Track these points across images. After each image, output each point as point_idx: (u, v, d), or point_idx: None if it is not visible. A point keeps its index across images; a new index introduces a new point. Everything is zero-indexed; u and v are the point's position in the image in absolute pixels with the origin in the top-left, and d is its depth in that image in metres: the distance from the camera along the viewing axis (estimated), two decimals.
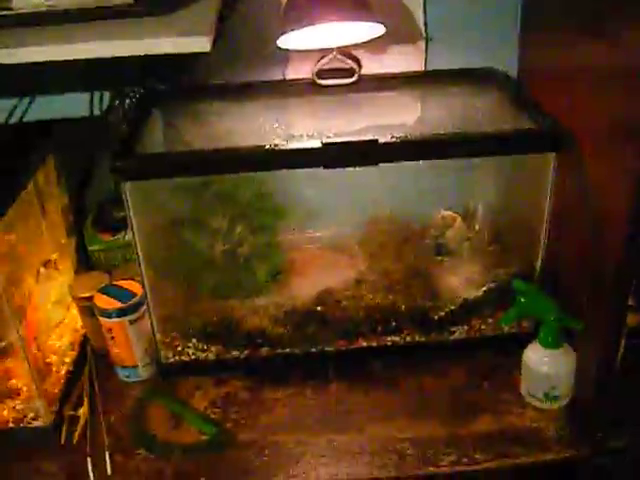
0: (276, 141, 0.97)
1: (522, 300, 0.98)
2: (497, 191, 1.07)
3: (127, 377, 1.09)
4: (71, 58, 0.84)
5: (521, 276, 1.04)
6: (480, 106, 1.11)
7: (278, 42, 1.04)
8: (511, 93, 1.11)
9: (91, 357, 1.12)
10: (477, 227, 1.11)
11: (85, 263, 1.18)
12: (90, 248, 1.15)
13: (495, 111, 1.09)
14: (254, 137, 1.06)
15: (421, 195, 1.09)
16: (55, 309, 1.13)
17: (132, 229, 0.96)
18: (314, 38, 1.07)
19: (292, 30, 1.01)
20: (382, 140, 0.92)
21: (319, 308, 1.07)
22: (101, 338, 1.07)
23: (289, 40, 1.04)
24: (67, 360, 1.09)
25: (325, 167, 0.93)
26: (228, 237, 1.09)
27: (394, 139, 0.92)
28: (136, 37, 0.83)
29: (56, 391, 1.03)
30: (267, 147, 0.91)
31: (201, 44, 0.81)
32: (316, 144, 0.91)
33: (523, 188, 1.05)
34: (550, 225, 1.01)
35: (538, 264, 1.04)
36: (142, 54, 0.81)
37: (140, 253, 0.98)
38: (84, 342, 1.14)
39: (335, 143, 0.91)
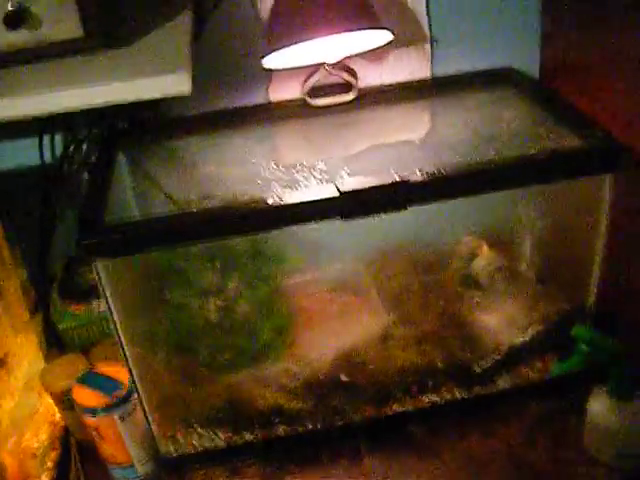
0: (273, 185, 0.80)
1: (584, 348, 0.83)
2: (541, 216, 0.91)
3: (124, 477, 0.91)
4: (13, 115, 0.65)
5: (573, 314, 0.90)
6: (504, 116, 0.95)
7: (263, 62, 0.86)
8: (538, 97, 0.95)
9: (76, 455, 0.94)
10: (519, 260, 0.95)
11: (57, 344, 0.99)
12: (60, 327, 0.96)
13: (524, 122, 0.93)
14: (243, 179, 0.88)
15: (447, 221, 0.92)
16: (26, 397, 0.94)
17: (109, 309, 0.78)
18: (306, 53, 0.89)
19: (281, 48, 0.83)
20: (414, 179, 0.75)
21: (342, 376, 0.90)
22: (87, 431, 0.89)
23: (276, 59, 0.86)
24: (49, 464, 0.91)
25: (343, 218, 0.75)
26: (221, 294, 0.92)
27: (426, 176, 0.76)
28: (89, 82, 0.64)
29: None
30: (270, 203, 0.74)
31: (179, 84, 0.63)
32: (331, 192, 0.74)
33: (573, 213, 0.89)
34: (607, 254, 0.86)
35: (592, 299, 0.89)
36: (101, 104, 0.63)
37: (121, 334, 0.80)
38: (66, 435, 0.95)
39: (356, 191, 0.74)
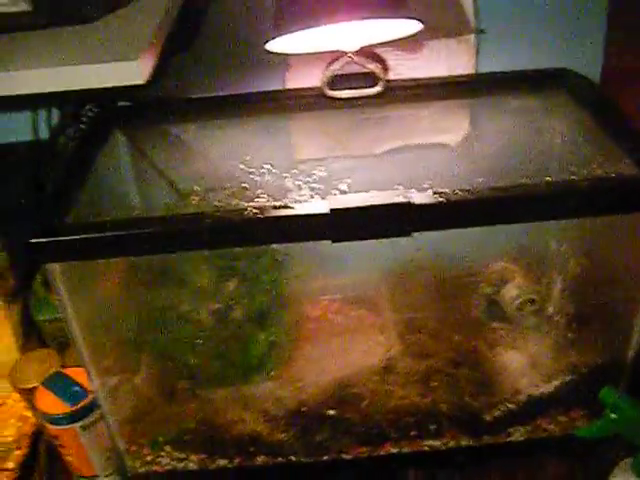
0: (260, 191, 0.70)
1: (612, 416, 0.69)
2: (581, 250, 0.77)
3: None
4: None
5: (607, 370, 0.76)
6: (551, 126, 0.81)
7: (268, 45, 0.75)
8: (593, 107, 0.80)
9: (44, 459, 0.87)
10: (553, 296, 0.81)
11: (37, 336, 0.92)
12: (38, 318, 0.89)
13: (572, 136, 0.79)
14: (229, 178, 0.77)
15: (479, 240, 0.79)
16: None
17: (65, 314, 0.70)
18: (320, 39, 0.77)
19: (288, 32, 0.72)
20: (419, 201, 0.62)
21: (331, 412, 0.79)
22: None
23: (285, 42, 0.75)
24: (10, 464, 0.84)
25: (334, 242, 0.64)
26: (212, 300, 0.82)
27: (435, 198, 0.63)
28: (31, 65, 0.54)
29: None
30: (245, 216, 0.63)
31: (132, 73, 0.53)
32: (321, 208, 0.63)
33: (618, 251, 0.75)
34: None
35: (630, 356, 0.75)
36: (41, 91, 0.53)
37: (82, 346, 0.72)
38: (37, 435, 0.88)
39: (347, 209, 0.62)
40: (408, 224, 0.64)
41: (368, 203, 0.62)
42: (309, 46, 0.78)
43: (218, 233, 0.63)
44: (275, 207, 0.64)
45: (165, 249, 0.66)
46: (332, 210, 0.62)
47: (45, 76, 0.53)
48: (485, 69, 0.89)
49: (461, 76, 0.89)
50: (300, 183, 0.71)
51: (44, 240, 0.63)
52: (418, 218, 0.63)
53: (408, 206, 0.62)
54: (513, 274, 0.88)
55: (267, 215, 0.63)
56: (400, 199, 0.62)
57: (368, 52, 0.86)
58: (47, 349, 0.88)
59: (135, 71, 0.52)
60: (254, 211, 0.63)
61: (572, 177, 0.68)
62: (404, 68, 0.89)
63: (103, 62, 0.53)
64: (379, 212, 0.63)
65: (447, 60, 0.88)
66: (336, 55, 0.84)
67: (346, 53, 0.82)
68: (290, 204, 0.63)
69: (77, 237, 0.64)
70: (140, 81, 0.53)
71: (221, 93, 0.90)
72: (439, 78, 0.89)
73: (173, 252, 0.66)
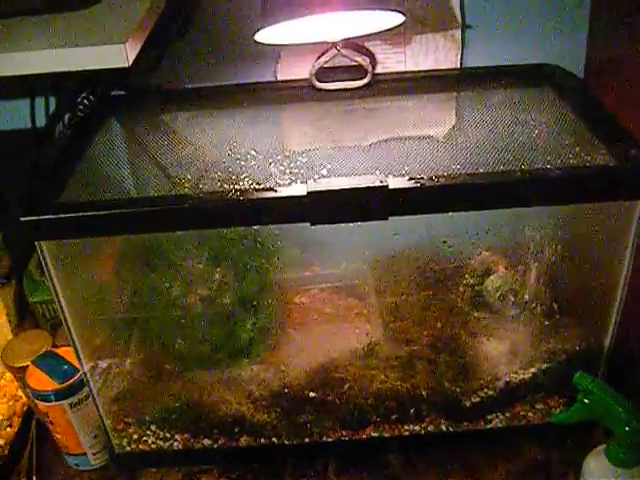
0: (243, 175, 0.72)
1: (586, 402, 0.71)
2: (560, 239, 0.79)
3: (77, 466, 0.87)
4: None
5: (585, 357, 0.77)
6: (534, 119, 0.82)
7: (256, 36, 0.77)
8: (576, 101, 0.82)
9: (34, 437, 0.89)
10: (535, 286, 0.83)
11: (32, 319, 0.94)
12: (31, 299, 0.91)
13: (554, 128, 0.80)
14: (214, 164, 0.79)
15: (463, 229, 0.81)
16: None
17: (55, 292, 0.72)
18: (306, 31, 0.79)
19: (275, 23, 0.74)
20: (394, 185, 0.64)
21: (314, 395, 0.81)
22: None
23: (272, 34, 0.77)
24: (0, 442, 0.87)
25: (313, 224, 0.66)
26: (204, 282, 0.84)
27: (412, 183, 0.65)
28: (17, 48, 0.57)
29: None
30: (229, 196, 0.65)
31: (115, 56, 0.55)
32: (299, 191, 0.65)
33: (596, 240, 0.77)
34: (629, 291, 0.73)
35: (608, 343, 0.76)
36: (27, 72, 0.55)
37: (70, 324, 0.74)
38: (29, 414, 0.91)
39: (324, 192, 0.64)
40: (384, 208, 0.65)
41: (344, 186, 0.64)
42: (295, 37, 0.81)
43: (199, 214, 0.65)
44: (255, 190, 0.66)
45: (149, 229, 0.68)
46: (309, 193, 0.64)
47: (33, 59, 0.55)
48: (471, 63, 0.91)
49: (447, 70, 0.91)
50: (284, 169, 0.73)
51: (34, 218, 0.65)
52: (394, 202, 0.65)
53: (384, 190, 0.64)
54: (496, 264, 0.90)
55: (247, 197, 0.65)
56: (376, 183, 0.64)
57: (356, 45, 0.89)
58: (40, 330, 0.91)
59: (120, 55, 0.54)
60: (235, 193, 0.65)
61: (547, 166, 0.70)
62: (391, 62, 0.91)
63: (89, 45, 0.55)
64: (355, 195, 0.64)
65: (433, 54, 0.90)
66: (325, 48, 0.86)
67: (334, 46, 0.84)
68: (269, 187, 0.66)
69: (65, 215, 0.66)
70: (125, 64, 0.55)
71: (214, 83, 0.93)
72: (425, 72, 0.91)
73: (156, 232, 0.68)
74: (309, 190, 0.64)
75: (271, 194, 0.65)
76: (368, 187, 0.64)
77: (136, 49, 0.58)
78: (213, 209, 0.65)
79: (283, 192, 0.65)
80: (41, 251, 0.69)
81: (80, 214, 0.66)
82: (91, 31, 0.58)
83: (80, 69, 0.56)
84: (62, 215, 0.66)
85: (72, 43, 0.56)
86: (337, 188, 0.64)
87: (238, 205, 0.64)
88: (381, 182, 0.64)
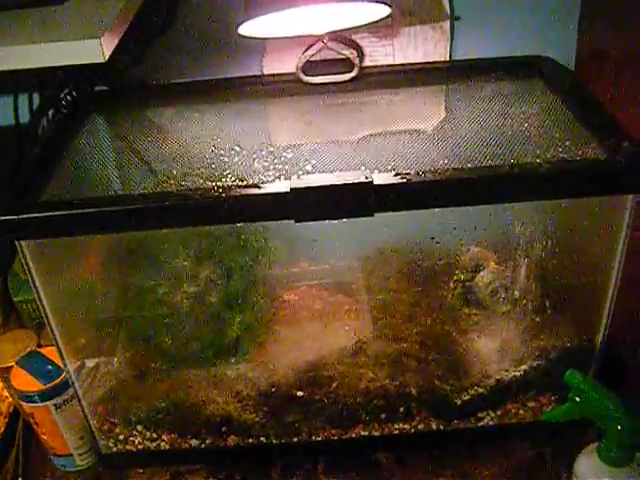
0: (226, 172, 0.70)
1: (577, 399, 0.70)
2: (547, 237, 0.77)
3: (63, 467, 0.86)
4: None
5: (576, 354, 0.76)
6: (524, 112, 0.81)
7: (240, 29, 0.75)
8: (567, 93, 0.80)
9: (20, 439, 0.88)
10: (526, 282, 0.81)
11: (17, 319, 0.93)
12: (16, 299, 0.90)
13: (544, 121, 0.79)
14: (197, 161, 0.77)
15: (453, 225, 0.80)
16: None
17: (36, 291, 0.71)
18: (290, 23, 0.78)
19: (260, 15, 0.73)
20: (379, 180, 0.63)
21: (302, 394, 0.80)
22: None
23: (256, 26, 0.75)
24: None
25: (297, 221, 0.65)
26: (190, 280, 0.83)
27: (398, 178, 0.64)
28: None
29: None
30: (212, 193, 0.64)
31: (91, 52, 0.54)
32: (282, 187, 0.63)
33: (588, 235, 0.76)
34: (621, 288, 0.72)
35: (600, 340, 0.75)
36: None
37: (53, 324, 0.73)
38: (15, 415, 0.90)
39: (308, 188, 0.63)
40: (369, 204, 0.64)
41: (328, 182, 0.63)
42: (280, 30, 0.79)
43: (182, 211, 0.64)
44: (238, 187, 0.65)
45: (130, 227, 0.66)
46: (292, 189, 0.63)
47: (7, 54, 0.54)
48: (460, 55, 0.90)
49: (435, 62, 0.90)
50: (268, 165, 0.72)
51: (14, 217, 0.64)
52: (380, 198, 0.64)
53: (369, 186, 0.63)
54: (487, 260, 0.88)
55: (231, 194, 0.64)
56: (361, 179, 0.63)
57: (343, 38, 0.87)
58: (25, 329, 0.90)
59: (96, 50, 0.53)
60: (217, 190, 0.64)
61: (536, 160, 0.68)
62: (379, 54, 0.89)
63: (66, 40, 0.54)
64: (340, 192, 0.63)
65: (422, 46, 0.89)
66: (312, 41, 0.85)
67: (321, 39, 0.83)
68: (252, 184, 0.64)
69: (44, 214, 0.65)
70: (101, 60, 0.54)
71: (199, 78, 0.91)
72: (414, 64, 0.89)
73: (138, 230, 0.67)
74: (292, 187, 0.63)
75: (254, 191, 0.63)
76: (352, 183, 0.63)
77: (113, 44, 0.56)
78: (195, 207, 0.64)
79: (266, 189, 0.63)
80: (21, 250, 0.68)
81: (60, 213, 0.65)
82: (67, 26, 0.57)
83: (55, 64, 0.54)
84: (42, 214, 0.65)
85: (47, 38, 0.54)
86: (320, 184, 0.63)
87: (220, 202, 0.63)
88: (366, 178, 0.63)
